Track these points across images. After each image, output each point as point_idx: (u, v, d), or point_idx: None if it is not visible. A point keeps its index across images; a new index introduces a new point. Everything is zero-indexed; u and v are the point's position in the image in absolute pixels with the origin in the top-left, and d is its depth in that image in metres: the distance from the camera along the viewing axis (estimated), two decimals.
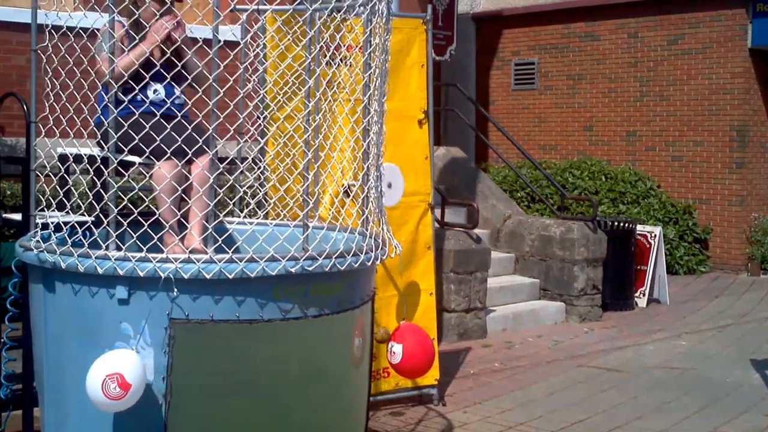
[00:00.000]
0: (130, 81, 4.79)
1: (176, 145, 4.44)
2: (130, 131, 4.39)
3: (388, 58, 5.29)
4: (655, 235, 12.56)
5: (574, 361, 9.21)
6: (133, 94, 4.72)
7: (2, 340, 5.39)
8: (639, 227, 12.62)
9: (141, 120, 4.47)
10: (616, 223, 12.23)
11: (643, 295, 12.47)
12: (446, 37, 15.52)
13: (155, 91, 5.14)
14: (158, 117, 4.75)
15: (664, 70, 15.95)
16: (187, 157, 4.60)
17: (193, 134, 4.44)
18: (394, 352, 5.84)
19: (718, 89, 15.33)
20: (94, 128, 5.00)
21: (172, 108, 5.05)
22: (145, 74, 4.64)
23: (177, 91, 5.21)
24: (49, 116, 4.45)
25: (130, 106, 4.80)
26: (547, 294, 11.57)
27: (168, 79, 4.80)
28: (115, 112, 4.27)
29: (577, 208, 14.77)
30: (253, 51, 5.94)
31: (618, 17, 16.48)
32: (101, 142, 4.96)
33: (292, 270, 4.06)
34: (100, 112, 5.03)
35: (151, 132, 4.42)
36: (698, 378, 8.58)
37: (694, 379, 8.55)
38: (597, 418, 7.24)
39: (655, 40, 16.03)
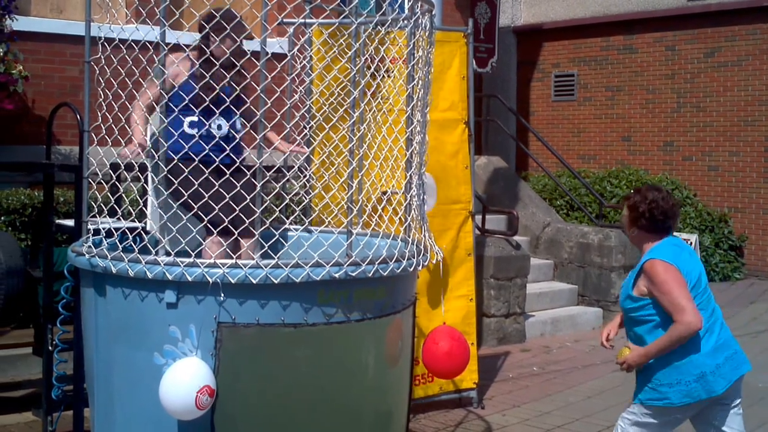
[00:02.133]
0: (197, 114, 4.93)
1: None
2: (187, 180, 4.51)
3: (431, 69, 5.36)
4: (691, 243, 12.56)
5: (612, 365, 9.11)
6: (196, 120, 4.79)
7: (54, 342, 5.49)
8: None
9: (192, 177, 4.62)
10: None
11: None
12: (488, 50, 15.59)
13: (219, 126, 5.21)
14: (208, 173, 4.81)
15: (700, 82, 15.94)
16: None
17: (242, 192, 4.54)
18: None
19: (754, 101, 15.30)
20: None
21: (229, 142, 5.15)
22: (215, 109, 4.77)
23: (239, 125, 5.26)
24: (102, 125, 4.53)
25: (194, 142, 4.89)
26: (584, 300, 11.62)
27: (233, 112, 4.84)
28: (167, 123, 4.35)
29: (614, 216, 14.76)
30: (300, 63, 6.00)
31: (656, 30, 16.47)
32: (152, 151, 5.04)
33: (336, 275, 4.12)
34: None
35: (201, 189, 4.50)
36: None
37: None
38: None
39: (692, 53, 16.03)
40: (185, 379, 3.95)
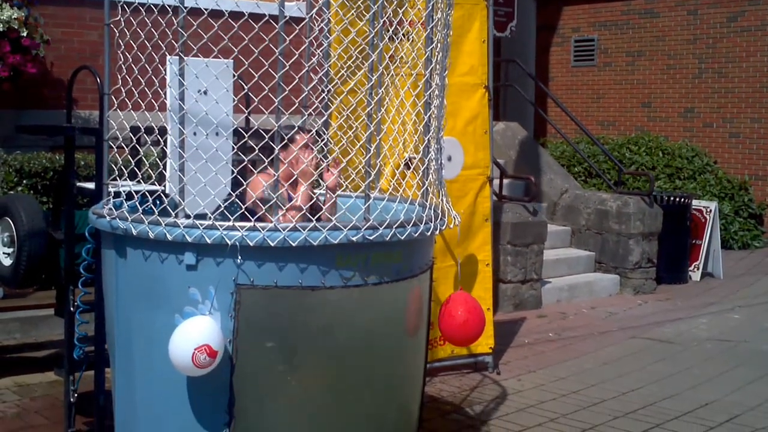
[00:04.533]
0: None
1: None
2: None
3: (450, 33, 5.34)
4: (711, 210, 12.57)
5: (628, 332, 9.28)
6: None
7: (76, 303, 5.53)
8: (695, 202, 12.64)
9: None
10: (672, 198, 12.25)
11: (698, 268, 12.51)
12: (507, 14, 15.52)
13: None
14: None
15: (723, 47, 15.86)
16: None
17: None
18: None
19: None
20: (165, 101, 5.09)
21: None
22: None
23: None
24: (122, 89, 4.55)
25: None
26: (602, 267, 11.65)
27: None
28: (185, 84, 4.35)
29: (633, 183, 14.76)
30: (318, 26, 6.00)
31: None
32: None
33: (354, 239, 4.13)
34: None
35: None
36: (750, 351, 8.61)
37: (747, 351, 8.59)
38: (650, 388, 7.32)
39: (715, 17, 15.93)
40: (185, 336, 3.99)
